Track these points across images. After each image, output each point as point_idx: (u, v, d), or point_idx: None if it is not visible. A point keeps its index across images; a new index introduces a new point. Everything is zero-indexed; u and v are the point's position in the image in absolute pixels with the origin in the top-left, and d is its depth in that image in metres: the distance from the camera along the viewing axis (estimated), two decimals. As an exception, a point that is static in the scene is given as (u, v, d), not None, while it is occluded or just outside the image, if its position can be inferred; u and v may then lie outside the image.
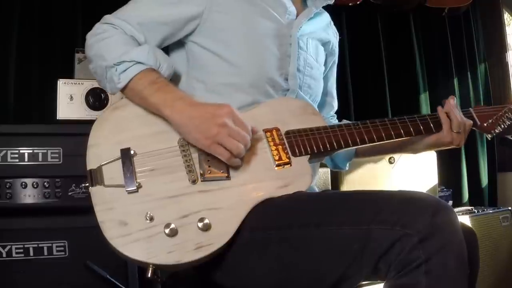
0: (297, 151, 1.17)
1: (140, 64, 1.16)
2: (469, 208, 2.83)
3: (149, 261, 0.99)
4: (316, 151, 1.18)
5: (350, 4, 3.01)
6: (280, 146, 1.17)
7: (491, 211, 2.76)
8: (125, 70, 1.15)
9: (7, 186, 1.77)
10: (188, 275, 1.16)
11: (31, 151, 1.80)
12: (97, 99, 2.01)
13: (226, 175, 1.10)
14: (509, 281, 2.66)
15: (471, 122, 1.31)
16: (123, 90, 1.18)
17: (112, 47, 1.17)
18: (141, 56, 1.16)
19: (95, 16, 2.51)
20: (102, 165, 1.09)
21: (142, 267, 1.02)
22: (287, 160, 1.15)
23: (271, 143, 1.17)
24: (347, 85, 3.09)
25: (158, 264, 0.99)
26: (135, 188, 1.06)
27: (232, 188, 1.10)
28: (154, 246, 1.00)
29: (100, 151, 1.12)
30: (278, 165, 1.15)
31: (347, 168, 1.53)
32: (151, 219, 1.02)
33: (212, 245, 1.01)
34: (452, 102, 1.30)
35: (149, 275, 0.99)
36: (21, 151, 1.80)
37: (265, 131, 1.19)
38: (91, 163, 1.10)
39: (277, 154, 1.16)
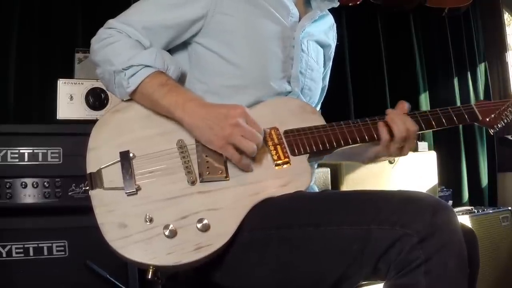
0: (296, 150, 1.17)
1: (149, 67, 1.15)
2: (469, 208, 2.83)
3: (149, 262, 0.99)
4: (315, 150, 1.18)
5: (350, 4, 3.01)
6: (279, 146, 1.17)
7: (491, 211, 2.78)
8: (134, 74, 1.15)
9: (7, 186, 1.77)
10: (188, 276, 1.16)
11: (31, 151, 1.81)
12: (97, 99, 2.01)
13: (225, 175, 1.11)
14: (509, 281, 2.67)
15: (416, 128, 1.21)
16: (132, 94, 1.17)
17: (118, 52, 1.17)
18: (148, 59, 1.15)
19: (95, 16, 2.48)
20: (102, 168, 1.10)
21: (142, 268, 1.03)
22: (286, 159, 1.15)
23: (270, 143, 1.17)
24: (347, 85, 3.10)
25: (158, 266, 1.00)
26: (134, 190, 1.06)
27: (231, 189, 1.10)
28: (153, 247, 1.00)
29: (99, 154, 1.12)
30: (277, 165, 1.14)
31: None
32: (151, 220, 1.03)
33: (211, 245, 1.01)
34: (400, 108, 1.24)
35: (149, 277, 0.99)
36: (21, 151, 1.80)
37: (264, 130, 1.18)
38: (91, 166, 1.10)
39: (276, 154, 1.15)
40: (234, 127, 1.07)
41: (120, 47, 1.18)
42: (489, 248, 2.63)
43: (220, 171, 1.11)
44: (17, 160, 1.79)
